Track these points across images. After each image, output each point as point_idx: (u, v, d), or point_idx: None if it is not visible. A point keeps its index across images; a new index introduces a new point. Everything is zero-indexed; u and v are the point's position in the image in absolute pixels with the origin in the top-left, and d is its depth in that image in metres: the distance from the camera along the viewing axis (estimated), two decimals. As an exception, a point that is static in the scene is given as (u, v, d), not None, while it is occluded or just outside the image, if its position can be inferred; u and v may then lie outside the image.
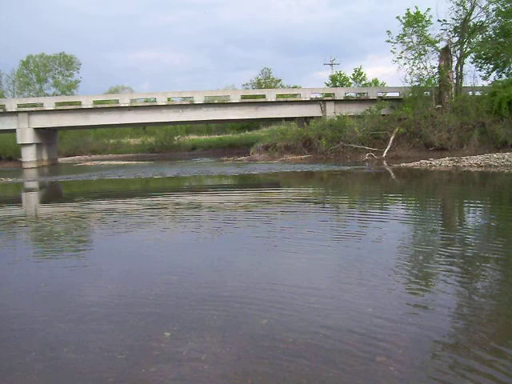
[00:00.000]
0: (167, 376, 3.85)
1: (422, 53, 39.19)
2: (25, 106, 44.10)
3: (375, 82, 64.00)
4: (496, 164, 23.70)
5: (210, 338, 4.49)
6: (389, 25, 76.36)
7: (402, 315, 4.91)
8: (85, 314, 5.30)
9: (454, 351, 4.14)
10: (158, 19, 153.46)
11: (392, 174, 23.97)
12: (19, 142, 43.30)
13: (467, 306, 5.22)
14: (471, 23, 38.65)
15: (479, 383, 3.58)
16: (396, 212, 12.52)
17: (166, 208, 14.29)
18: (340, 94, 45.30)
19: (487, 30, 39.16)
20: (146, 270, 7.26)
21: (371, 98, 43.26)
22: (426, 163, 25.89)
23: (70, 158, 60.59)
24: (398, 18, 38.77)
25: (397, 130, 35.55)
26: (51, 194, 22.60)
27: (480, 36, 39.40)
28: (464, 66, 40.14)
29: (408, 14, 38.54)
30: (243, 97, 45.62)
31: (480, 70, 41.31)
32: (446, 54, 38.54)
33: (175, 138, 67.50)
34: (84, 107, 43.47)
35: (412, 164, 26.19)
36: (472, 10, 38.04)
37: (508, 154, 26.07)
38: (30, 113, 43.10)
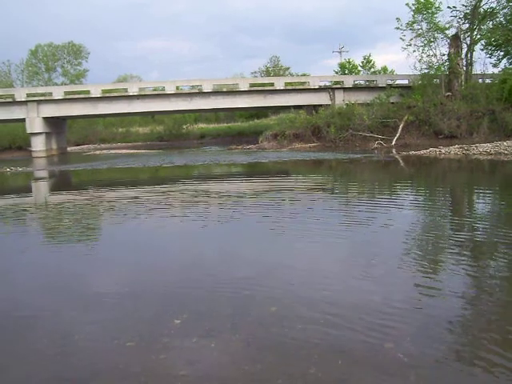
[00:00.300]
0: (177, 363, 3.89)
1: (432, 40, 38.84)
2: (34, 95, 44.14)
3: (384, 69, 63.49)
4: (506, 152, 23.51)
5: (219, 325, 4.52)
6: (399, 12, 75.87)
7: (410, 302, 4.93)
8: (94, 302, 5.35)
9: (463, 338, 4.15)
10: (166, 8, 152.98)
11: (401, 161, 23.89)
12: (29, 131, 43.38)
13: (477, 293, 5.22)
14: (481, 9, 38.18)
15: (489, 371, 3.59)
16: (405, 199, 12.48)
17: (174, 196, 14.32)
18: (349, 81, 45.05)
19: (498, 17, 38.72)
20: (155, 258, 7.30)
21: (380, 85, 42.97)
22: (436, 151, 25.75)
23: (79, 146, 60.64)
24: (407, 5, 38.40)
25: (406, 117, 35.32)
26: (61, 183, 22.69)
27: (490, 22, 38.97)
28: (474, 53, 39.74)
29: (418, 0, 38.17)
30: (252, 85, 45.46)
31: (490, 57, 40.94)
32: (455, 41, 38.17)
33: (184, 126, 67.34)
34: (93, 96, 43.46)
35: (421, 152, 26.06)
36: (482, -4, 37.68)
37: (518, 141, 25.92)
38: (39, 102, 43.14)
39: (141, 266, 6.83)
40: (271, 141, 38.50)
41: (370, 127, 35.30)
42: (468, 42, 39.02)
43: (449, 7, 38.27)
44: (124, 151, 46.92)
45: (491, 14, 38.18)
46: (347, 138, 35.45)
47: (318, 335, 4.24)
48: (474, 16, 37.82)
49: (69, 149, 54.70)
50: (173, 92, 43.95)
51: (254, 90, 44.62)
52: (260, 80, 54.35)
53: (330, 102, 42.67)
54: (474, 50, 39.56)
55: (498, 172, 19.01)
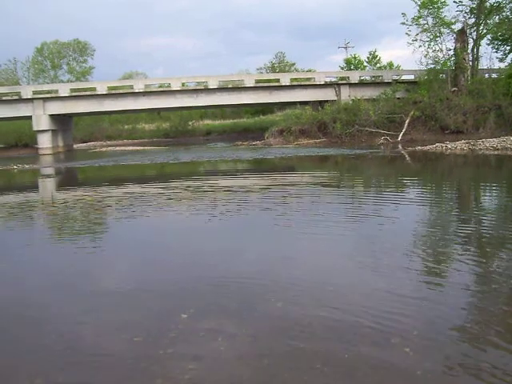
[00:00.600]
0: (184, 357, 3.91)
1: (438, 35, 38.71)
2: (40, 92, 44.27)
3: (390, 64, 63.31)
4: (513, 147, 23.47)
5: (226, 320, 4.55)
6: (405, 7, 75.77)
7: (417, 296, 4.93)
8: (102, 297, 5.38)
9: (470, 333, 4.15)
10: (170, 4, 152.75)
11: (407, 157, 23.84)
12: (35, 128, 43.51)
13: (483, 287, 5.22)
14: (488, 4, 38.02)
15: (496, 366, 3.59)
16: (412, 194, 12.48)
17: (181, 192, 14.35)
18: (355, 77, 45.00)
19: (504, 11, 38.51)
20: (161, 254, 7.34)
21: (386, 81, 42.87)
22: (442, 146, 25.70)
23: (85, 143, 60.76)
24: (413, -1, 38.30)
25: (412, 113, 35.26)
26: (67, 180, 22.75)
27: (497, 17, 38.80)
28: (480, 47, 39.61)
29: (423, -5, 38.03)
30: (257, 81, 45.43)
31: (496, 52, 40.74)
32: (461, 35, 38.02)
33: (190, 122, 67.33)
34: (98, 93, 43.54)
35: (427, 147, 26.00)
36: (489, -10, 37.52)
37: (525, 136, 25.81)
38: (45, 99, 43.26)
39: (147, 262, 6.86)
40: (277, 137, 38.48)
41: (376, 123, 35.25)
42: (474, 37, 38.88)
43: (455, 2, 38.11)
44: (130, 148, 46.95)
45: (497, 8, 38.00)
46: (353, 134, 35.42)
47: (325, 330, 4.26)
48: (480, 10, 37.66)
49: (75, 146, 54.82)
50: (178, 88, 44.01)
51: (260, 86, 44.59)
52: (266, 76, 54.33)
53: (335, 98, 42.62)
54: (480, 45, 39.47)
55: (504, 167, 18.95)
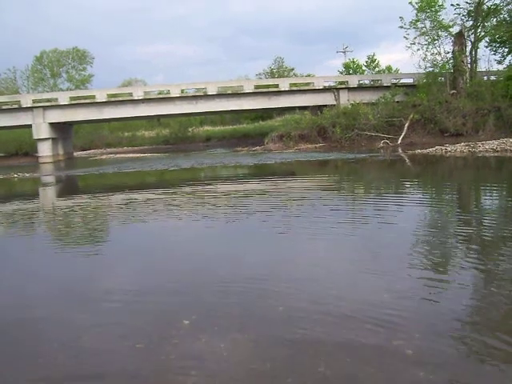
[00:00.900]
0: (187, 363, 3.90)
1: (436, 38, 38.78)
2: (39, 101, 44.34)
3: (389, 68, 63.37)
4: (512, 148, 23.50)
5: (228, 325, 4.55)
6: (402, 10, 75.81)
7: (418, 298, 4.93)
8: (103, 304, 5.38)
9: (472, 334, 4.15)
10: (168, 11, 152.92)
11: (407, 160, 23.87)
12: (35, 137, 43.58)
13: (485, 288, 5.23)
14: (485, 6, 38.10)
15: (499, 368, 3.59)
16: (412, 197, 12.50)
17: (181, 198, 14.37)
18: (353, 81, 45.06)
19: (501, 13, 38.62)
20: (162, 260, 7.35)
21: (385, 84, 42.92)
22: (442, 149, 25.72)
23: (85, 151, 60.87)
24: (410, 3, 38.34)
25: (411, 116, 35.30)
26: (68, 188, 22.76)
27: (494, 19, 38.86)
28: (478, 50, 39.63)
29: (421, -1, 38.13)
30: (256, 86, 45.50)
31: (495, 54, 40.76)
32: (459, 38, 38.10)
33: (189, 129, 67.41)
34: (98, 101, 43.63)
35: (427, 150, 26.03)
36: (486, -8, 37.59)
37: (525, 138, 25.84)
38: (44, 108, 43.33)
39: (148, 268, 6.86)
40: (277, 142, 38.51)
41: (376, 127, 35.30)
42: (472, 40, 38.94)
43: (452, 5, 38.23)
44: (130, 155, 47.02)
45: (495, 10, 38.08)
46: (353, 138, 35.47)
47: (327, 333, 4.26)
48: (478, 13, 37.75)
49: (75, 154, 54.93)
50: (178, 95, 44.10)
51: (259, 92, 44.66)
52: (265, 81, 54.37)
53: (335, 102, 42.63)
54: (478, 48, 39.50)
55: (504, 168, 18.97)
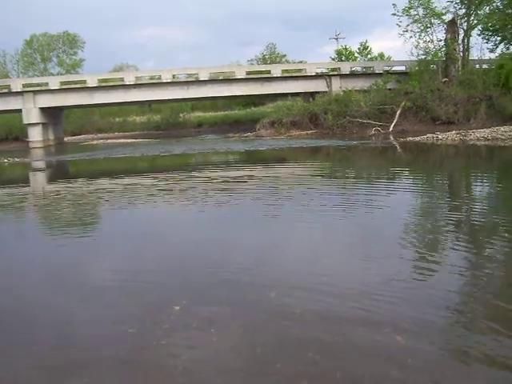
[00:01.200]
0: (178, 348, 3.93)
1: (428, 26, 38.70)
2: (30, 85, 43.99)
3: (381, 55, 63.26)
4: (503, 137, 23.53)
5: (218, 311, 4.56)
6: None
7: (408, 285, 4.96)
8: (95, 290, 5.39)
9: (461, 321, 4.19)
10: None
11: (399, 148, 23.92)
12: (25, 121, 43.26)
13: (475, 275, 5.26)
14: (478, -5, 38.12)
15: (486, 354, 3.62)
16: (403, 184, 12.56)
17: (172, 184, 14.35)
18: (346, 68, 44.95)
19: (494, 2, 38.53)
20: (153, 245, 7.35)
21: (377, 72, 42.84)
22: (433, 137, 25.75)
23: (76, 137, 60.44)
24: (403, -11, 38.25)
25: (403, 103, 35.30)
26: (58, 173, 22.67)
27: (487, 8, 38.81)
28: (471, 38, 39.58)
29: (414, -14, 38.02)
30: (248, 72, 45.34)
31: (487, 43, 40.77)
32: (452, 26, 38.05)
33: (181, 115, 67.07)
34: (89, 86, 43.29)
35: (419, 138, 26.05)
36: (479, -20, 37.52)
37: (515, 126, 25.91)
38: (35, 92, 43.00)
39: (138, 253, 6.87)
40: (268, 128, 38.41)
41: (368, 114, 35.29)
42: (465, 28, 38.89)
43: (445, -8, 38.12)
44: (121, 141, 46.76)
45: (488, -2, 38.04)
46: (344, 125, 35.45)
47: (317, 319, 4.29)
48: (471, 1, 37.66)
49: (66, 139, 54.56)
50: (169, 81, 43.84)
51: (251, 78, 44.50)
52: (257, 68, 54.19)
53: (327, 89, 42.55)
54: (470, 36, 39.45)
55: (495, 157, 19.05)
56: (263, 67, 52.33)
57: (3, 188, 16.04)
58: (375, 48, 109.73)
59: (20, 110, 43.12)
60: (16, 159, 28.77)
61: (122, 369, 3.69)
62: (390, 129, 33.79)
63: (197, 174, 16.74)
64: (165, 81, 43.81)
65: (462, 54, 38.86)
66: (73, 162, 26.42)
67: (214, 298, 4.89)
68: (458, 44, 38.42)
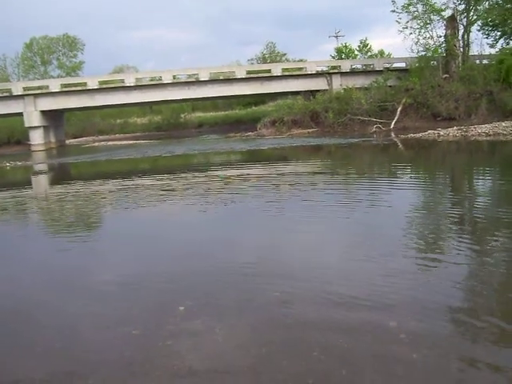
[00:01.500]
0: (183, 348, 3.93)
1: (428, 22, 38.60)
2: (30, 89, 43.99)
3: (381, 53, 63.22)
4: (505, 132, 23.53)
5: (223, 311, 4.57)
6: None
7: (412, 282, 4.96)
8: (99, 292, 5.40)
9: (465, 317, 4.19)
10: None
11: (400, 144, 23.89)
12: (26, 125, 43.27)
13: (479, 272, 5.26)
14: (477, -10, 38.05)
15: (490, 350, 3.63)
16: (405, 181, 12.54)
17: (175, 185, 14.33)
18: (346, 66, 44.89)
19: (494, -4, 38.56)
20: (156, 245, 7.36)
21: (377, 69, 42.78)
22: (434, 133, 25.74)
23: (77, 139, 60.47)
24: (402, -14, 38.21)
25: (404, 100, 35.25)
26: (61, 176, 22.67)
27: (487, 3, 38.69)
28: (471, 34, 39.52)
29: (413, -18, 37.94)
30: (248, 72, 45.30)
31: (487, 38, 40.63)
32: (452, 22, 37.99)
33: (182, 115, 67.09)
34: (90, 88, 43.30)
35: (420, 134, 26.03)
36: (478, -24, 37.44)
37: (517, 121, 25.89)
38: (36, 96, 43.02)
39: (142, 254, 6.87)
40: (269, 127, 38.40)
41: (368, 111, 35.26)
42: (464, 23, 38.83)
43: (444, -12, 38.04)
44: (123, 142, 46.76)
45: (487, -7, 37.96)
46: (345, 123, 35.41)
47: (322, 317, 4.29)
48: (470, -4, 37.62)
49: (67, 141, 54.60)
50: (170, 81, 43.83)
51: (251, 77, 44.46)
52: (257, 67, 54.10)
53: (327, 87, 42.52)
54: (470, 31, 39.39)
55: (497, 152, 19.04)
56: (263, 66, 52.18)
57: (6, 191, 16.05)
58: (375, 45, 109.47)
59: (21, 114, 43.12)
60: (18, 162, 28.78)
61: (127, 370, 3.69)
62: (391, 126, 33.76)
63: (199, 174, 16.71)
64: (165, 82, 43.78)
65: (462, 49, 38.80)
66: (75, 165, 26.42)
67: (218, 298, 4.89)
68: (458, 40, 38.35)
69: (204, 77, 43.42)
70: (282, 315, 4.38)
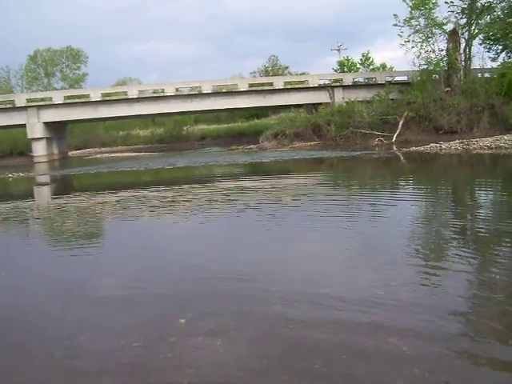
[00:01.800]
0: (184, 361, 3.92)
1: (430, 36, 38.78)
2: (34, 100, 44.23)
3: (383, 66, 63.32)
4: (507, 146, 23.51)
5: (224, 323, 4.56)
6: (396, 8, 75.93)
7: (414, 296, 4.94)
8: (100, 303, 5.39)
9: (467, 332, 4.18)
10: (162, 9, 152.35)
11: (402, 158, 23.90)
12: (29, 136, 43.44)
13: (480, 285, 5.24)
14: (479, 4, 38.10)
15: (491, 369, 3.62)
16: (407, 193, 12.56)
17: (176, 197, 14.34)
18: (348, 79, 45.07)
19: (495, 11, 38.63)
20: (157, 257, 7.36)
21: (379, 82, 42.96)
22: (436, 147, 25.74)
23: (80, 151, 60.65)
24: (404, 1, 38.35)
25: (406, 114, 35.32)
26: (63, 187, 22.71)
27: (488, 17, 38.88)
28: (472, 47, 39.70)
29: (415, -4, 38.12)
30: (251, 85, 45.48)
31: (489, 52, 40.82)
32: (453, 36, 38.17)
33: (184, 128, 67.25)
34: (92, 100, 43.51)
35: (422, 148, 26.03)
36: (480, -10, 37.65)
37: (518, 135, 25.91)
38: (39, 107, 43.21)
39: (143, 266, 6.87)
40: (272, 140, 38.47)
41: (370, 124, 35.34)
42: (466, 37, 38.97)
43: (446, 2, 38.21)
44: (125, 154, 46.89)
45: (488, 8, 38.10)
46: (348, 136, 35.49)
47: (322, 330, 4.28)
48: (472, 11, 37.77)
49: (70, 153, 54.73)
50: (172, 94, 44.02)
51: (254, 90, 44.65)
52: (259, 80, 54.29)
53: (329, 100, 42.66)
54: (472, 45, 39.56)
55: (499, 166, 19.04)
56: (266, 79, 52.38)
57: (9, 202, 16.08)
58: (377, 59, 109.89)
59: (24, 125, 43.33)
60: (21, 174, 28.84)
61: (127, 382, 3.69)
62: (393, 139, 33.81)
63: (201, 186, 16.73)
64: (168, 94, 43.98)
65: (463, 63, 38.94)
66: (77, 176, 26.48)
67: (219, 310, 4.88)
68: (460, 53, 38.51)
69: (207, 89, 43.61)
70: (283, 328, 4.37)
